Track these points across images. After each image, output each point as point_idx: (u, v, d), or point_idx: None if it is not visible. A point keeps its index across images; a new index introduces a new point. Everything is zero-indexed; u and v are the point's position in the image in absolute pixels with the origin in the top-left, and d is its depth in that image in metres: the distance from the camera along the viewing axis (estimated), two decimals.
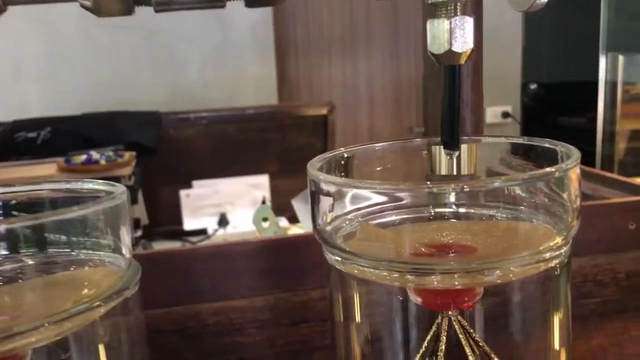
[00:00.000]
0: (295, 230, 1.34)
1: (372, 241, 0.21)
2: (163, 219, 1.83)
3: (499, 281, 0.20)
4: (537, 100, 1.87)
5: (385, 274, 0.21)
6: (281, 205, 1.65)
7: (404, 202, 0.21)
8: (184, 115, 1.84)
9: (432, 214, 0.22)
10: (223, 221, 1.85)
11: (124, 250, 0.30)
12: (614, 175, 0.67)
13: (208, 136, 1.89)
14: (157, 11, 0.27)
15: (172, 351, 0.49)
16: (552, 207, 0.22)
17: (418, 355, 0.22)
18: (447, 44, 0.22)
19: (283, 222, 1.58)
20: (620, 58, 0.94)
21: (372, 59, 2.64)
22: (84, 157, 1.32)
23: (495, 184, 0.20)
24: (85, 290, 0.28)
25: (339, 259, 0.24)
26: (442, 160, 0.29)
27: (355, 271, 0.22)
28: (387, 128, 2.64)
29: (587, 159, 1.00)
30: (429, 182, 0.20)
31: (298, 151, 1.96)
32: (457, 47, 0.22)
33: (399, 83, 2.67)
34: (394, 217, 0.22)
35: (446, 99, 0.22)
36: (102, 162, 1.31)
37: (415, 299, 0.22)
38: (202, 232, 1.84)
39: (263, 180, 1.89)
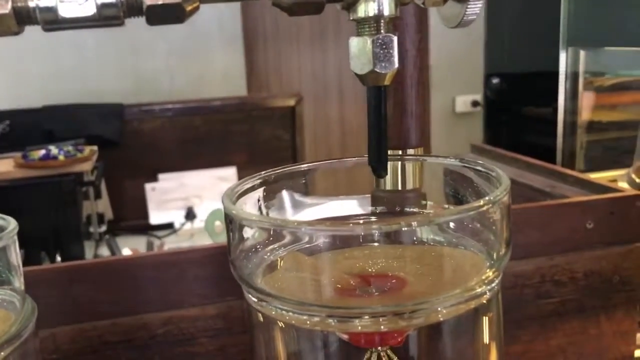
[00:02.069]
0: None
1: (298, 271, 0.20)
2: (128, 213, 1.80)
3: (427, 323, 0.19)
4: (500, 93, 1.88)
5: (304, 317, 0.20)
6: None
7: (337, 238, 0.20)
8: (148, 107, 1.81)
9: (363, 235, 0.21)
10: (190, 215, 1.83)
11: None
12: (573, 172, 0.67)
13: (173, 128, 1.85)
14: (45, 30, 0.25)
15: None
16: (483, 234, 0.21)
17: None
18: (370, 64, 0.21)
19: None
20: (582, 51, 0.94)
21: (342, 49, 2.62)
22: (42, 152, 1.28)
23: (414, 224, 0.19)
24: None
25: (256, 300, 0.22)
26: (387, 175, 0.28)
27: (274, 313, 0.21)
28: (358, 119, 2.63)
29: (549, 153, 1.00)
30: (357, 220, 0.19)
31: (266, 143, 1.94)
32: (380, 68, 0.21)
33: None
34: (321, 243, 0.21)
35: (371, 121, 0.21)
36: (61, 157, 1.28)
37: (341, 335, 0.21)
38: (169, 226, 1.81)
39: (230, 172, 1.87)
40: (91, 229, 1.60)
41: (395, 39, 0.21)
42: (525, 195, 0.69)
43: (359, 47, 0.21)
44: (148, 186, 1.82)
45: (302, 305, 0.20)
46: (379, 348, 0.21)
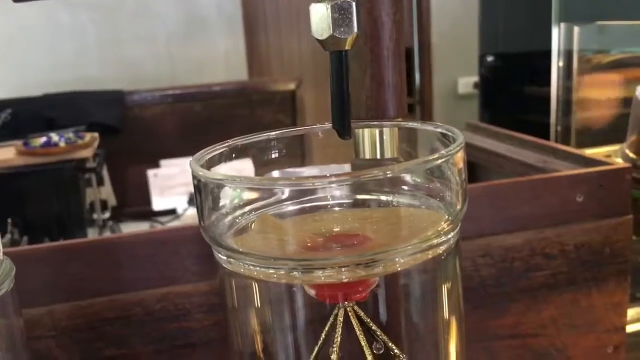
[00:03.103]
0: None
1: (268, 233, 0.21)
2: (131, 199, 1.81)
3: (387, 272, 0.20)
4: (495, 72, 1.87)
5: (271, 271, 0.20)
6: None
7: (303, 195, 0.20)
8: (148, 94, 1.82)
9: (331, 202, 0.22)
10: (193, 200, 1.84)
11: None
12: (565, 147, 0.67)
13: (174, 114, 1.86)
14: (15, 1, 0.26)
15: (117, 339, 0.48)
16: (441, 191, 0.22)
17: (317, 347, 0.22)
18: (329, 29, 0.22)
19: None
20: (575, 27, 0.94)
21: None
22: (43, 139, 1.29)
23: (373, 175, 0.20)
24: None
25: (225, 257, 0.23)
26: (366, 144, 0.29)
27: (242, 270, 0.22)
28: None
29: (545, 131, 1.01)
30: (327, 174, 0.19)
31: (267, 127, 1.94)
32: (339, 33, 0.22)
33: None
34: (292, 208, 0.22)
35: (334, 86, 0.22)
36: (62, 144, 1.28)
37: (309, 291, 0.22)
38: (172, 212, 1.82)
39: None
40: (94, 216, 1.61)
41: (353, 4, 0.21)
42: (517, 171, 0.70)
43: (319, 14, 0.22)
44: (150, 172, 1.82)
45: (268, 260, 0.21)
46: (345, 304, 0.21)
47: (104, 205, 1.67)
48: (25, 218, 1.34)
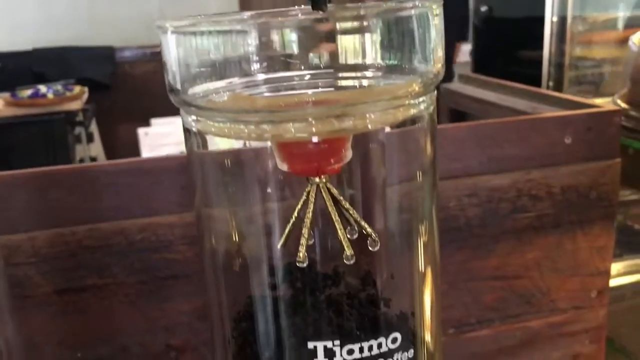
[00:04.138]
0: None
1: (238, 102, 0.20)
2: (121, 158, 1.80)
3: (358, 128, 0.20)
4: (488, 22, 1.84)
5: (241, 127, 0.20)
6: None
7: (277, 74, 0.20)
8: (139, 51, 1.79)
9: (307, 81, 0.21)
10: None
11: None
12: (555, 93, 0.67)
13: None
14: None
15: (99, 268, 0.48)
16: (414, 55, 0.21)
17: (289, 225, 0.21)
18: None
19: None
20: None
21: None
22: (30, 91, 1.28)
23: (340, 15, 0.19)
24: None
25: (195, 117, 0.23)
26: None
27: (213, 129, 0.22)
28: None
29: (537, 85, 1.00)
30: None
31: None
32: None
33: None
34: (265, 89, 0.21)
35: None
36: (50, 95, 1.27)
37: (282, 166, 0.22)
38: None
39: None
40: None
41: None
42: (507, 117, 0.69)
43: None
44: (141, 131, 1.81)
45: (238, 113, 0.20)
46: (317, 180, 0.21)
47: (93, 162, 1.66)
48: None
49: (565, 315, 0.61)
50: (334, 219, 0.21)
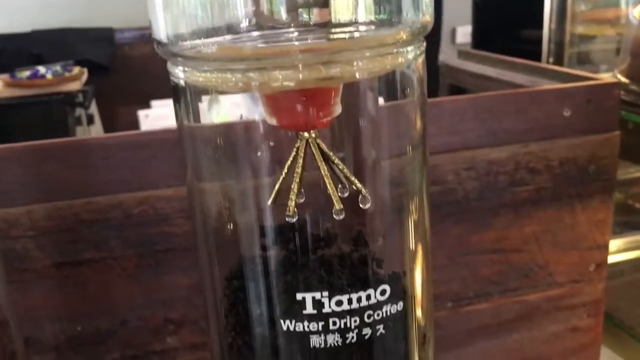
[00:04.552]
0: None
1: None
2: None
3: (345, 77, 0.19)
4: (488, 0, 1.82)
5: (229, 75, 0.20)
6: None
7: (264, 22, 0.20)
8: (138, 32, 1.78)
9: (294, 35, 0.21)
10: None
11: None
12: (554, 67, 0.66)
13: None
14: None
15: (97, 241, 0.48)
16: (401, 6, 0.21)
17: (279, 180, 0.21)
18: None
19: None
20: None
21: None
22: (29, 71, 1.27)
23: None
24: None
25: (182, 68, 0.23)
26: None
27: (200, 79, 0.21)
28: None
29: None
30: None
31: None
32: None
33: None
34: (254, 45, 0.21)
35: None
36: (49, 76, 1.26)
37: (270, 120, 0.21)
38: None
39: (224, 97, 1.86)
40: None
41: None
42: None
43: None
44: (141, 113, 1.80)
45: (225, 62, 0.20)
46: (306, 135, 0.21)
47: None
48: None
49: (564, 289, 0.61)
50: (324, 174, 0.21)
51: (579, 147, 0.57)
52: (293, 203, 0.21)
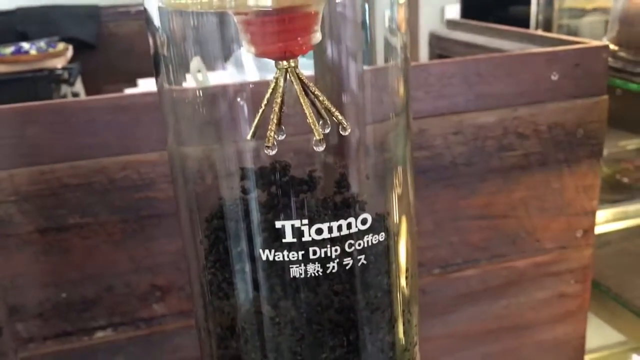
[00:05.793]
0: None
1: None
2: None
3: None
4: None
5: None
6: None
7: None
8: (124, 9, 1.76)
9: None
10: None
11: None
12: (543, 33, 0.66)
13: None
14: None
15: (80, 206, 0.47)
16: None
17: (258, 114, 0.21)
18: None
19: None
20: None
21: None
22: (13, 47, 1.25)
23: None
24: None
25: None
26: None
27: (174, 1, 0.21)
28: None
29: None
30: None
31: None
32: None
33: None
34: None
35: None
36: (33, 52, 1.24)
37: (248, 49, 0.21)
38: None
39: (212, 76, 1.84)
40: None
41: None
42: None
43: None
44: (128, 91, 1.79)
45: None
46: (285, 64, 0.20)
47: None
48: None
49: (551, 255, 0.61)
50: (303, 104, 0.20)
51: (567, 112, 0.57)
52: (272, 134, 0.20)
